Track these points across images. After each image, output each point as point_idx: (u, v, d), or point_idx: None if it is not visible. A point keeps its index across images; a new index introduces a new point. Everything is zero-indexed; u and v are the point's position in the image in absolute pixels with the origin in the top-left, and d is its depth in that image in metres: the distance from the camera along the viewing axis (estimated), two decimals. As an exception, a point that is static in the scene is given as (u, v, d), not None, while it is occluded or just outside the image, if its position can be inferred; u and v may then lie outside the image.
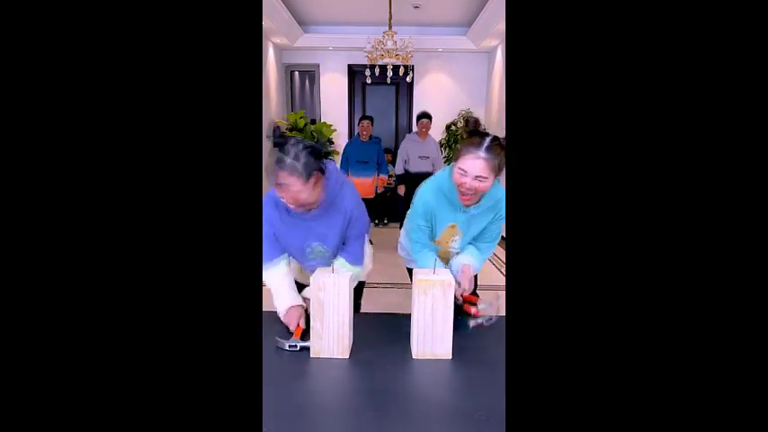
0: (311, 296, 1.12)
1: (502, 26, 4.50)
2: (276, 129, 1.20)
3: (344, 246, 1.39)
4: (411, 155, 4.39)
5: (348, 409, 0.93)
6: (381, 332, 1.27)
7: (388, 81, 4.77)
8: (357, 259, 1.39)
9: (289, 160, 1.12)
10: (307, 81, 6.11)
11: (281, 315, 1.30)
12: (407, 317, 1.21)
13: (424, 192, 1.42)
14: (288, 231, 1.34)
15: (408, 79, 5.21)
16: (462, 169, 1.27)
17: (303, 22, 5.44)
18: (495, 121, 5.31)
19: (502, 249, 4.51)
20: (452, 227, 1.41)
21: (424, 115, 4.35)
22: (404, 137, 4.70)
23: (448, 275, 1.13)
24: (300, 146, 1.15)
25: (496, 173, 1.28)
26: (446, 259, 1.49)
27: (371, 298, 3.14)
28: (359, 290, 1.65)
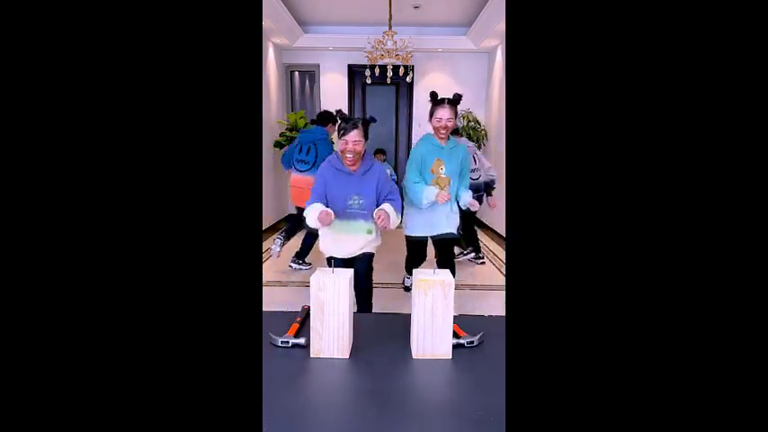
0: (312, 296, 1.12)
1: (502, 26, 4.50)
2: (339, 111, 2.19)
3: (389, 199, 2.10)
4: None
5: (348, 409, 0.93)
6: (381, 332, 1.27)
7: (388, 81, 4.77)
8: (398, 208, 2.10)
9: (359, 124, 2.02)
10: (307, 81, 6.11)
11: (315, 219, 1.96)
12: (407, 317, 1.21)
13: (415, 148, 2.54)
14: (337, 185, 2.08)
15: (408, 79, 5.22)
16: (437, 117, 2.39)
17: (303, 22, 5.44)
18: (495, 121, 5.31)
19: (502, 249, 4.51)
20: (438, 160, 2.44)
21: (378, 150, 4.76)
22: (403, 137, 4.81)
23: (448, 275, 1.14)
24: (360, 119, 2.05)
25: (456, 116, 2.43)
26: (440, 185, 2.43)
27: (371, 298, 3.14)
28: (368, 292, 2.33)
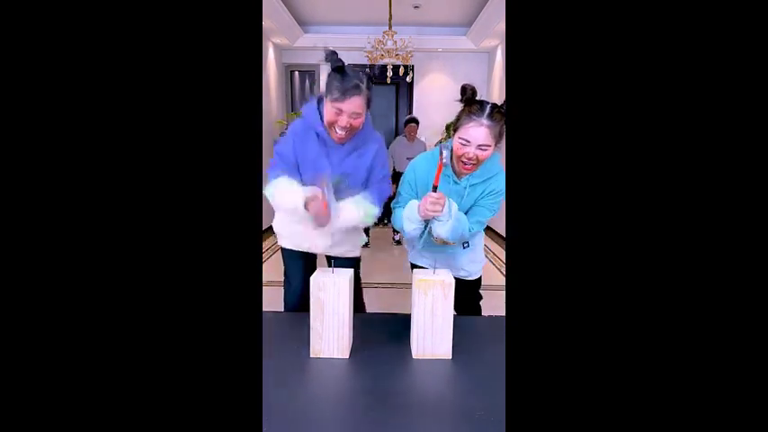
0: (312, 296, 1.12)
1: (502, 26, 4.50)
2: (332, 52, 1.26)
3: (368, 187, 1.44)
4: (399, 156, 4.71)
5: (348, 409, 0.93)
6: (381, 332, 1.27)
7: (388, 81, 4.77)
8: (376, 200, 1.43)
9: (364, 87, 1.27)
10: (307, 81, 6.11)
11: (301, 205, 1.32)
12: (407, 317, 1.21)
13: (417, 160, 1.43)
14: (314, 157, 1.38)
15: (408, 79, 5.22)
16: (464, 139, 1.24)
17: (303, 22, 5.44)
18: (495, 121, 5.30)
19: (502, 249, 4.51)
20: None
21: (412, 120, 4.72)
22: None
23: (448, 275, 1.13)
24: (364, 75, 1.29)
25: (497, 140, 1.27)
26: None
27: (371, 298, 3.14)
28: (357, 289, 1.71)
